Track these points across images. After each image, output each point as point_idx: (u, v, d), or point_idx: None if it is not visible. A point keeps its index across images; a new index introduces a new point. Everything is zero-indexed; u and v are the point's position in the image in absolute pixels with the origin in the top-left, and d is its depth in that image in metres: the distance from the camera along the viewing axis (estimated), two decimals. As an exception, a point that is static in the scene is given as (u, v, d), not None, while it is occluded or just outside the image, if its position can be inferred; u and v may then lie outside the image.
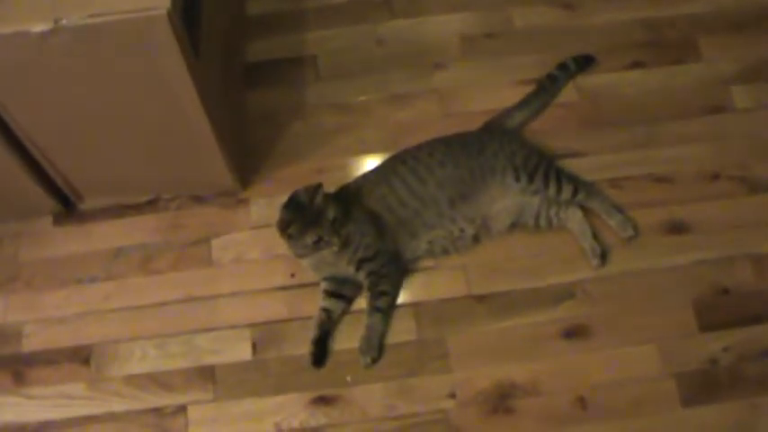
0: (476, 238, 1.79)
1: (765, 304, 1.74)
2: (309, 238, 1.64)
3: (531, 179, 1.78)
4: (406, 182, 1.76)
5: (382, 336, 1.72)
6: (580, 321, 1.73)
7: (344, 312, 1.75)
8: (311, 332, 1.72)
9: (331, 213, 1.65)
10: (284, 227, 1.65)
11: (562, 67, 2.00)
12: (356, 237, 1.70)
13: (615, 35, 2.09)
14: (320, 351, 1.71)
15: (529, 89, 1.98)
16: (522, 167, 1.78)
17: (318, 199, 1.64)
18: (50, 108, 1.58)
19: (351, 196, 1.77)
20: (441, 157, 1.78)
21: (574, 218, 1.80)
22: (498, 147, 1.81)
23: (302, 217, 1.64)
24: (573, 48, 2.06)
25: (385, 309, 1.73)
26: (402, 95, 2.03)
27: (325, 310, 1.73)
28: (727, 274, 1.77)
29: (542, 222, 1.80)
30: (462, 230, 1.77)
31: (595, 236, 1.78)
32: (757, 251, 1.79)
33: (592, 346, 1.71)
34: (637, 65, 2.05)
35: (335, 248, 1.66)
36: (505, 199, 1.78)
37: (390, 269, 1.74)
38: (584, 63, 2.03)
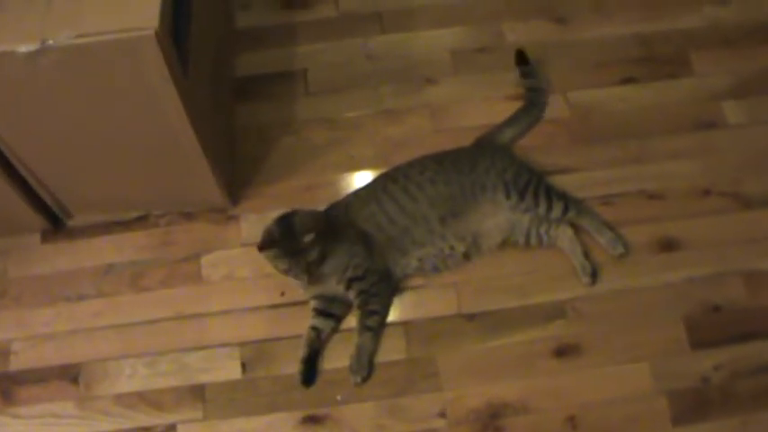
0: (466, 256, 1.78)
1: (757, 321, 1.74)
2: (281, 265, 1.65)
3: (521, 197, 1.77)
4: (397, 199, 1.75)
5: (372, 354, 1.71)
6: (571, 340, 1.73)
7: (334, 331, 1.74)
8: (301, 351, 1.71)
9: (312, 255, 1.64)
10: (263, 245, 1.64)
11: (526, 75, 2.00)
12: (345, 256, 1.70)
13: (607, 50, 2.09)
14: (309, 370, 1.70)
15: (520, 104, 1.97)
16: (513, 185, 1.77)
17: (309, 237, 1.62)
18: (38, 127, 1.57)
19: (340, 214, 1.76)
20: (432, 175, 1.78)
21: (564, 236, 1.79)
22: (490, 163, 1.80)
23: (285, 243, 1.63)
24: (564, 62, 2.06)
25: (375, 327, 1.72)
26: (393, 111, 2.02)
27: (315, 328, 1.72)
28: (718, 291, 1.77)
29: (533, 240, 1.79)
30: (453, 248, 1.76)
31: (586, 254, 1.78)
32: (749, 268, 1.79)
33: (583, 365, 1.70)
34: (629, 80, 2.04)
35: (302, 283, 1.69)
36: (496, 216, 1.77)
37: (380, 288, 1.73)
38: (522, 57, 2.01)
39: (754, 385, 1.68)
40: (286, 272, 1.66)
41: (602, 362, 1.70)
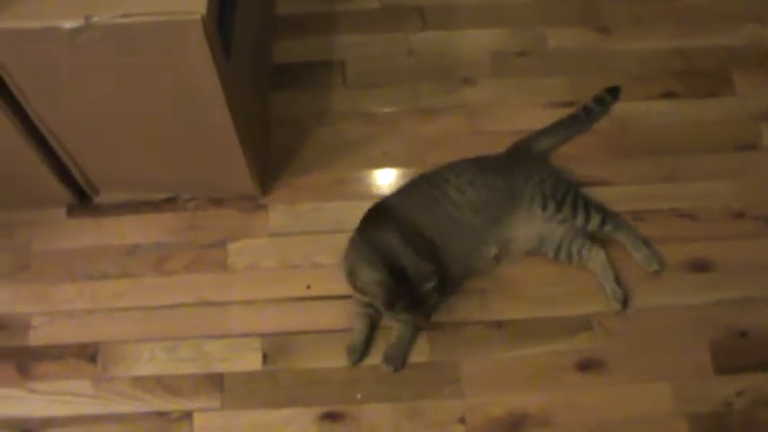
0: (497, 259, 1.76)
1: (783, 350, 1.73)
2: (404, 315, 1.63)
3: (558, 208, 1.75)
4: (445, 208, 1.72)
5: (409, 349, 1.71)
6: (595, 354, 1.71)
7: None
8: (357, 331, 1.71)
9: (432, 300, 1.62)
10: (391, 300, 1.60)
11: (598, 100, 1.97)
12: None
13: (649, 63, 2.06)
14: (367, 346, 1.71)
15: (558, 112, 1.95)
16: (551, 196, 1.75)
17: (427, 288, 1.60)
18: (74, 102, 1.55)
19: (402, 224, 1.72)
20: (472, 179, 1.75)
21: (596, 259, 1.77)
22: (528, 173, 1.78)
23: (407, 296, 1.60)
24: (606, 72, 2.03)
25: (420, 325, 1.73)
26: (429, 109, 2.00)
27: (368, 312, 1.72)
28: (746, 316, 1.75)
29: (562, 255, 1.77)
30: (488, 252, 1.75)
31: (618, 280, 1.76)
32: (778, 295, 1.78)
33: (606, 381, 1.69)
34: (668, 95, 2.02)
35: (422, 325, 1.69)
36: (528, 225, 1.75)
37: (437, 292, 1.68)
38: (615, 94, 1.99)
39: (776, 414, 1.67)
40: (407, 314, 1.65)
41: (625, 379, 1.69)
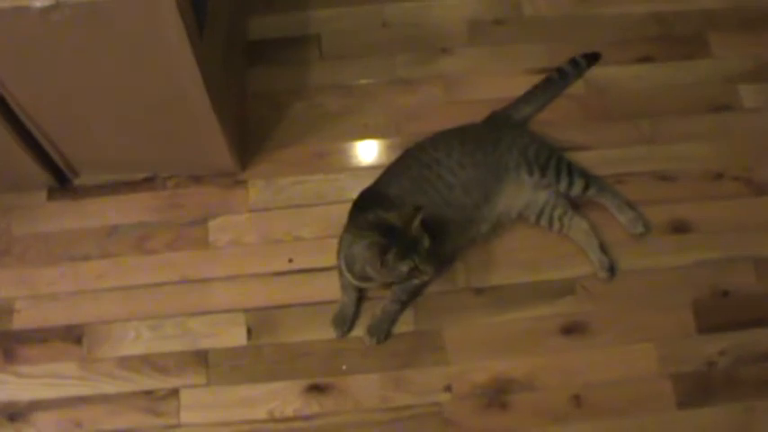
0: (490, 235, 1.77)
1: (765, 308, 1.74)
2: (405, 267, 1.53)
3: (543, 173, 1.75)
4: (437, 189, 1.70)
5: (393, 323, 1.71)
6: (579, 318, 1.72)
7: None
8: (345, 304, 1.71)
9: (426, 241, 1.55)
10: (382, 252, 1.51)
11: (573, 63, 1.97)
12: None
13: (626, 28, 2.06)
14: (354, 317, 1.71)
15: (535, 79, 1.95)
16: (535, 161, 1.75)
17: (416, 224, 1.53)
18: (49, 83, 1.54)
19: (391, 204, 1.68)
20: (459, 158, 1.73)
21: (579, 228, 1.77)
22: (511, 141, 1.77)
23: (399, 243, 1.52)
24: (583, 38, 2.03)
25: (407, 302, 1.72)
26: (406, 80, 2.00)
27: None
28: (727, 275, 1.76)
29: (543, 221, 1.77)
30: (479, 230, 1.75)
31: (603, 247, 1.76)
32: (759, 254, 1.78)
33: (589, 343, 1.70)
34: (646, 59, 2.02)
35: (425, 277, 1.59)
36: (518, 197, 1.75)
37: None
38: (593, 60, 1.99)
39: (758, 372, 1.68)
40: (411, 272, 1.54)
41: (609, 341, 1.70)
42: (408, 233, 1.52)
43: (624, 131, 1.92)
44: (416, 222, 1.52)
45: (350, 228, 1.67)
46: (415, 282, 1.62)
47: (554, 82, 1.94)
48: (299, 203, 1.84)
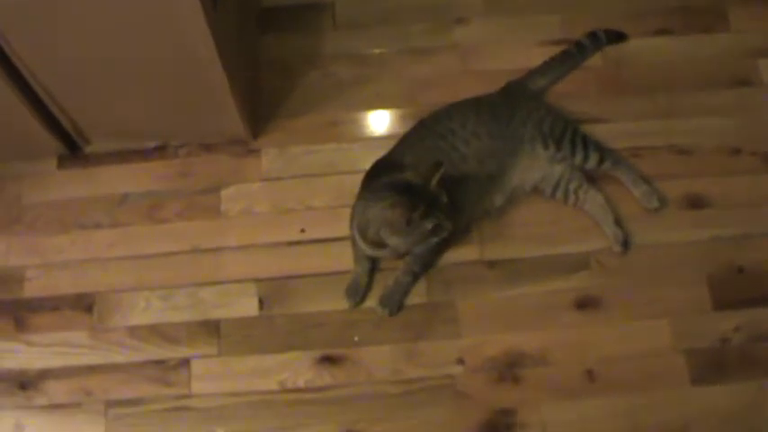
0: (504, 207, 1.76)
1: (780, 285, 1.73)
2: (429, 224, 1.51)
3: (558, 146, 1.73)
4: (451, 160, 1.67)
5: (406, 294, 1.70)
6: (593, 292, 1.71)
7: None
8: (359, 274, 1.70)
9: (445, 197, 1.54)
10: (410, 210, 1.49)
11: (593, 37, 1.94)
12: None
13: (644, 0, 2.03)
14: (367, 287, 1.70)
15: (552, 50, 1.92)
16: (550, 134, 1.73)
17: (435, 180, 1.52)
18: (60, 49, 1.52)
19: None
20: (474, 128, 1.71)
21: (594, 201, 1.75)
22: (526, 114, 1.75)
23: (422, 200, 1.50)
24: (600, 9, 2.00)
25: (419, 273, 1.71)
26: (421, 49, 1.97)
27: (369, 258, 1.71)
28: (743, 252, 1.75)
29: (559, 194, 1.76)
30: (493, 202, 1.74)
31: (618, 221, 1.74)
32: (775, 230, 1.77)
33: (603, 318, 1.69)
34: (663, 31, 1.99)
35: (445, 234, 1.56)
36: (533, 169, 1.74)
37: (439, 243, 1.65)
38: (616, 38, 1.96)
39: (773, 349, 1.68)
40: (435, 230, 1.52)
41: (623, 316, 1.69)
42: (428, 190, 1.51)
43: (641, 105, 1.89)
44: (437, 178, 1.51)
45: (363, 194, 1.66)
46: (434, 241, 1.58)
47: (572, 55, 1.92)
48: (311, 173, 1.82)
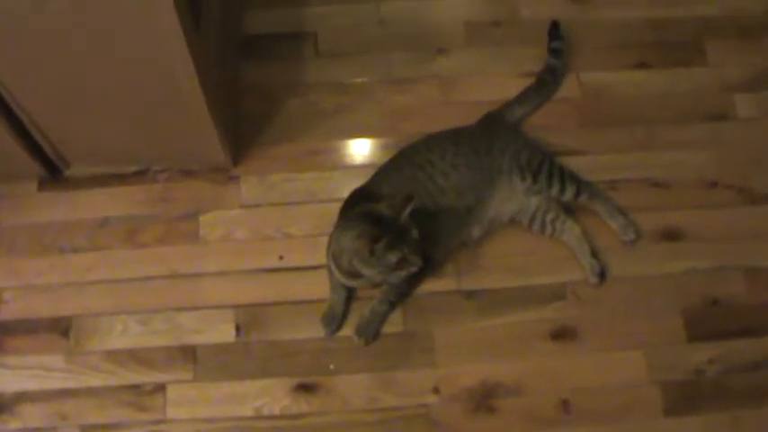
0: (481, 238, 1.76)
1: (754, 318, 1.74)
2: (394, 257, 1.52)
3: (535, 178, 1.74)
4: (429, 192, 1.69)
5: (382, 323, 1.71)
6: (568, 323, 1.72)
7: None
8: (335, 303, 1.70)
9: (415, 232, 1.54)
10: (372, 240, 1.49)
11: (554, 53, 1.95)
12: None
13: (623, 33, 2.06)
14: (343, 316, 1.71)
15: (531, 82, 1.94)
16: (527, 166, 1.75)
17: (406, 214, 1.52)
18: (41, 73, 1.53)
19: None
20: (452, 160, 1.72)
21: (571, 233, 1.77)
22: (504, 145, 1.77)
23: (389, 232, 1.50)
24: (578, 43, 2.03)
25: (395, 303, 1.71)
26: (402, 79, 1.99)
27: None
28: (718, 284, 1.76)
29: (536, 225, 1.77)
30: (471, 234, 1.74)
31: (594, 253, 1.76)
32: (750, 264, 1.79)
33: (578, 349, 1.70)
34: (642, 65, 2.02)
35: (413, 269, 1.56)
36: (511, 201, 1.75)
37: (415, 274, 1.64)
38: (554, 31, 1.97)
39: (747, 381, 1.68)
40: (400, 263, 1.52)
41: (598, 347, 1.70)
42: (398, 223, 1.52)
43: (619, 137, 1.92)
44: (407, 211, 1.51)
45: (338, 223, 1.66)
46: (403, 274, 1.57)
47: (546, 82, 1.94)
48: (290, 201, 1.83)
